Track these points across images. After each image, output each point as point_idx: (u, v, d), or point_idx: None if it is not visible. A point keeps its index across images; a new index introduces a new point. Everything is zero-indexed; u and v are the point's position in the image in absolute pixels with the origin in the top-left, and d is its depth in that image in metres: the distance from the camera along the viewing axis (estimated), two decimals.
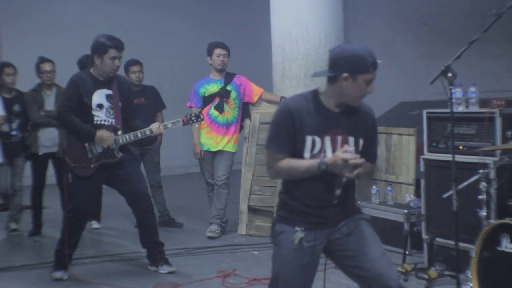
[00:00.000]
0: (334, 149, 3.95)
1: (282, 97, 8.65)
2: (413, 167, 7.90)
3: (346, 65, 3.87)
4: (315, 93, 4.06)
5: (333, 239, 4.10)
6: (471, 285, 5.35)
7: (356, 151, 3.96)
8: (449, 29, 13.22)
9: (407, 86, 12.83)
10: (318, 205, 4.02)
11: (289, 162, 3.97)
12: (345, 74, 3.86)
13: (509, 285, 5.12)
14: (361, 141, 4.05)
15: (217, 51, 8.61)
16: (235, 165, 8.83)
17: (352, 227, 4.10)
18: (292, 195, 4.09)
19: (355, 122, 4.04)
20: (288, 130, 3.95)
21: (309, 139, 3.95)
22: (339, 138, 3.99)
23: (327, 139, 3.97)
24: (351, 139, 4.02)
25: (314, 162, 3.87)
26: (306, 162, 3.92)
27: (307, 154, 3.96)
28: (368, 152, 4.07)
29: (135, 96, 7.88)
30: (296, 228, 4.01)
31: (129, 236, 8.77)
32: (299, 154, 3.96)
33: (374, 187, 7.93)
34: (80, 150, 6.74)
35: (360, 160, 3.76)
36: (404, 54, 13.93)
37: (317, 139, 3.95)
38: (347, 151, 3.78)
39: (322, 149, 3.96)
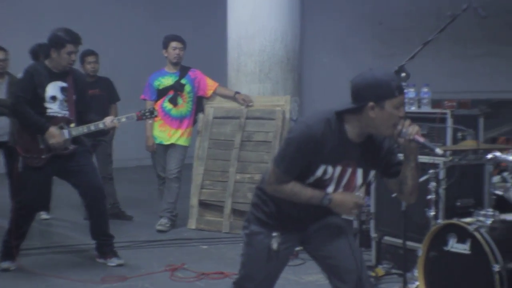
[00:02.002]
0: (340, 179, 3.84)
1: (237, 92, 8.65)
2: None
3: (369, 93, 3.65)
4: (340, 120, 3.78)
5: (308, 235, 4.10)
6: (418, 283, 5.40)
7: (364, 182, 3.93)
8: (405, 29, 13.30)
9: None
10: (303, 215, 4.00)
11: (293, 188, 3.81)
12: (371, 103, 3.64)
13: (454, 284, 5.16)
14: (371, 173, 3.96)
15: (173, 44, 8.58)
16: (187, 159, 8.80)
17: (325, 221, 4.08)
18: (276, 203, 3.99)
19: (369, 152, 3.87)
20: (306, 157, 3.74)
21: (322, 167, 3.78)
22: (349, 170, 3.85)
23: (338, 169, 3.82)
24: (360, 171, 3.89)
25: (318, 195, 3.78)
26: (309, 193, 3.79)
27: (312, 178, 3.82)
28: (394, 170, 3.92)
29: (89, 87, 7.85)
30: (274, 234, 3.96)
31: (78, 227, 8.69)
32: (305, 177, 3.82)
33: None
34: (31, 140, 6.67)
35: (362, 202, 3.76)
36: (360, 53, 13.98)
37: (330, 169, 3.80)
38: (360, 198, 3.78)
39: (330, 179, 3.83)
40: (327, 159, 3.76)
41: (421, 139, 3.68)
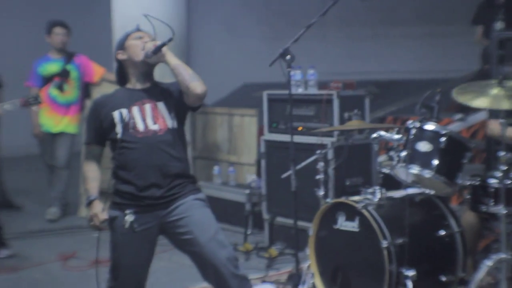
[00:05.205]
0: (144, 116, 4.15)
1: None
2: (254, 148, 7.99)
3: (116, 47, 4.32)
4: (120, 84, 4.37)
5: (168, 221, 4.15)
6: (310, 262, 5.46)
7: (170, 112, 4.18)
8: (291, 12, 13.39)
9: (251, 67, 12.92)
10: (147, 187, 4.10)
11: (88, 171, 4.39)
12: (118, 51, 4.27)
13: (344, 261, 5.24)
14: (172, 106, 4.22)
15: (57, 30, 8.43)
16: (76, 146, 8.66)
17: (186, 208, 4.15)
18: (121, 179, 4.21)
19: (160, 92, 4.25)
20: (94, 122, 4.24)
21: (116, 113, 4.14)
22: (148, 106, 4.17)
23: (135, 109, 4.14)
24: (161, 104, 4.19)
25: (89, 192, 4.28)
26: (89, 184, 4.33)
27: (119, 126, 4.12)
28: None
29: None
30: (126, 211, 4.09)
31: None
32: (113, 130, 4.14)
33: (216, 167, 7.98)
34: None
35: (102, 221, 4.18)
36: (248, 35, 14.03)
37: (124, 111, 4.13)
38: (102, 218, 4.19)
39: (131, 117, 4.10)
40: (116, 106, 4.16)
41: (157, 44, 4.14)
